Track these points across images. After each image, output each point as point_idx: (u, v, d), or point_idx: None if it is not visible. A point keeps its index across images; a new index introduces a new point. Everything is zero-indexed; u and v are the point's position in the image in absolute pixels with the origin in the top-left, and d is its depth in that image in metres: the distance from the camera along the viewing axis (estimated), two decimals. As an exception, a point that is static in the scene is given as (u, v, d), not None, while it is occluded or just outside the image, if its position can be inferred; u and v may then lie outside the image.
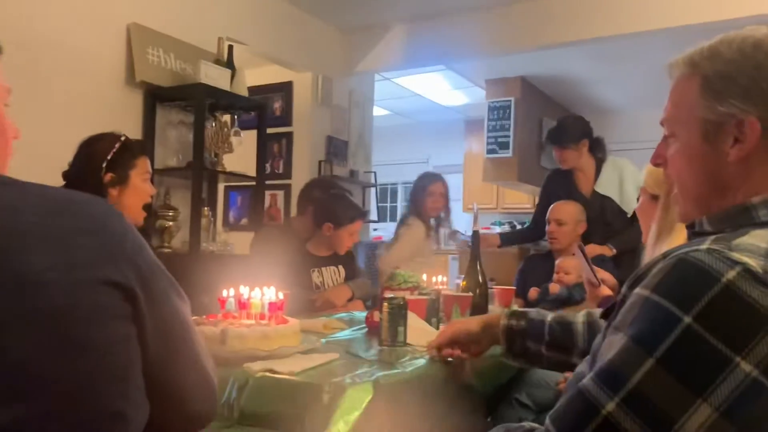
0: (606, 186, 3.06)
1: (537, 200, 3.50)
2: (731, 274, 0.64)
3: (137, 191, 1.92)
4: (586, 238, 2.86)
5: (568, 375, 1.72)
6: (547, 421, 0.72)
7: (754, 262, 0.65)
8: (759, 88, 0.76)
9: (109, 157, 1.86)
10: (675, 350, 0.64)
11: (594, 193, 3.08)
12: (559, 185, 3.22)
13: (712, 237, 0.71)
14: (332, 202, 2.66)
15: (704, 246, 0.68)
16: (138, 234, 0.77)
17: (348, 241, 2.60)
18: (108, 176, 1.86)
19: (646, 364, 0.65)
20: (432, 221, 3.49)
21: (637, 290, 0.70)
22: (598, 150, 3.13)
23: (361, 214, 2.68)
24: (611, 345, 0.70)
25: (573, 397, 0.70)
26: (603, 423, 0.66)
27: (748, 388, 0.62)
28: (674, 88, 0.85)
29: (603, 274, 2.03)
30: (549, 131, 3.18)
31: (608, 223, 3.01)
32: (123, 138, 1.92)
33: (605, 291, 1.97)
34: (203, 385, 0.86)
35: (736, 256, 0.66)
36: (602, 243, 2.91)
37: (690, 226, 0.85)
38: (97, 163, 1.86)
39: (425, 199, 3.40)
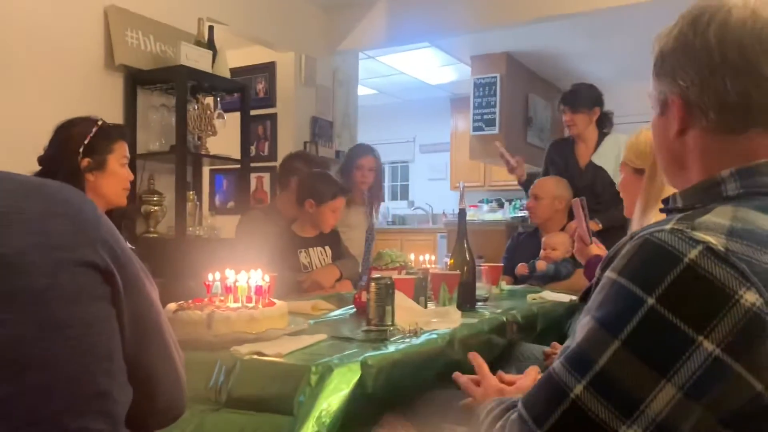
0: (603, 157, 3.07)
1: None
2: (693, 254, 0.64)
3: (115, 176, 1.90)
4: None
5: (552, 349, 1.73)
6: (519, 404, 0.72)
7: (715, 241, 0.65)
8: (680, 66, 0.78)
9: (86, 142, 1.84)
10: (639, 332, 0.64)
11: (589, 163, 3.10)
12: (558, 153, 3.23)
13: (678, 216, 0.71)
14: (313, 179, 2.65)
15: (668, 226, 0.68)
16: (110, 222, 0.77)
17: (331, 218, 2.59)
18: (85, 161, 1.84)
19: (612, 346, 0.65)
20: (365, 196, 3.43)
21: (607, 273, 0.71)
22: (605, 124, 3.14)
23: (343, 191, 2.65)
24: (580, 328, 0.70)
25: (544, 381, 0.71)
26: (571, 406, 0.66)
27: (710, 367, 0.62)
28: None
29: (596, 227, 2.05)
30: (563, 94, 3.17)
31: (597, 194, 3.02)
32: (100, 122, 1.89)
33: (595, 249, 1.99)
34: (173, 375, 0.86)
35: (698, 235, 0.66)
36: (589, 214, 2.91)
37: (665, 202, 0.85)
38: (74, 147, 1.83)
39: (354, 172, 3.35)
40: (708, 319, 0.62)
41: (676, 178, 0.85)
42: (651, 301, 0.64)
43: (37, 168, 1.85)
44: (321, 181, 2.62)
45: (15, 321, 0.65)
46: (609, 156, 3.07)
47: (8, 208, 0.68)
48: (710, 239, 0.65)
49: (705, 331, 0.62)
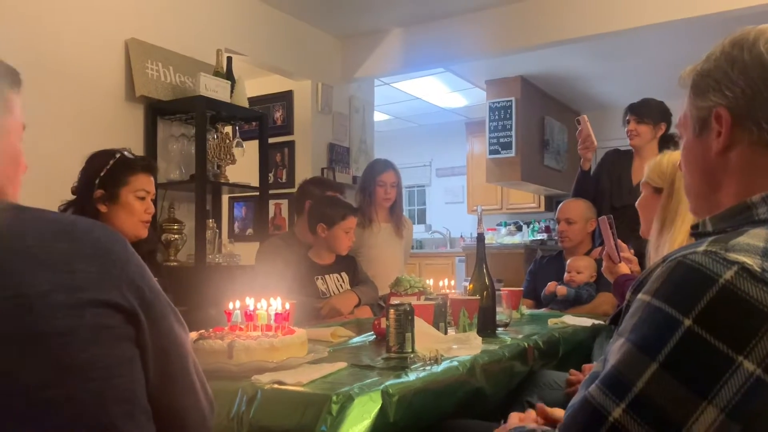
0: None
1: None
2: (729, 275, 0.64)
3: (128, 209, 1.89)
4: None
5: (574, 375, 1.71)
6: None
7: (751, 261, 0.65)
8: (729, 79, 0.79)
9: (102, 174, 1.87)
10: (677, 354, 0.64)
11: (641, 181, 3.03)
12: (613, 163, 3.14)
13: (711, 238, 0.71)
14: (321, 203, 2.66)
15: (701, 248, 0.68)
16: (140, 259, 0.77)
17: (345, 239, 2.57)
18: (98, 192, 1.87)
19: (650, 369, 0.65)
20: (390, 213, 3.30)
21: (639, 296, 0.71)
22: (668, 145, 3.05)
23: (353, 210, 2.63)
24: (615, 351, 0.70)
25: (580, 406, 0.70)
26: (610, 429, 0.65)
27: (752, 387, 0.61)
28: (684, 96, 0.89)
29: (627, 254, 2.02)
30: (630, 104, 3.09)
31: (639, 221, 2.95)
32: (118, 155, 1.92)
33: (623, 269, 1.97)
34: (198, 414, 0.85)
35: (732, 256, 0.66)
36: (627, 232, 2.84)
37: (694, 227, 0.85)
38: (91, 178, 1.87)
39: (375, 189, 3.22)
40: (747, 339, 0.62)
41: (705, 202, 0.85)
42: (688, 322, 0.64)
43: (64, 197, 1.90)
44: (329, 205, 2.62)
45: (37, 365, 0.65)
46: None
47: (36, 248, 0.69)
48: (745, 260, 0.65)
49: (745, 351, 0.62)
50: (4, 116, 0.80)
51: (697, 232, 0.84)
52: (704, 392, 0.62)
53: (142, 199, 1.93)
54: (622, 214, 2.76)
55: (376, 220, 3.23)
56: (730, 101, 0.78)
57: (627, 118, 3.06)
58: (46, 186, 1.91)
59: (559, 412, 1.09)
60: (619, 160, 3.16)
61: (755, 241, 0.68)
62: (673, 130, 3.05)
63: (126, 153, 1.95)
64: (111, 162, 1.89)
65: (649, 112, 3.01)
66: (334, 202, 2.67)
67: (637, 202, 1.84)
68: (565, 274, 2.76)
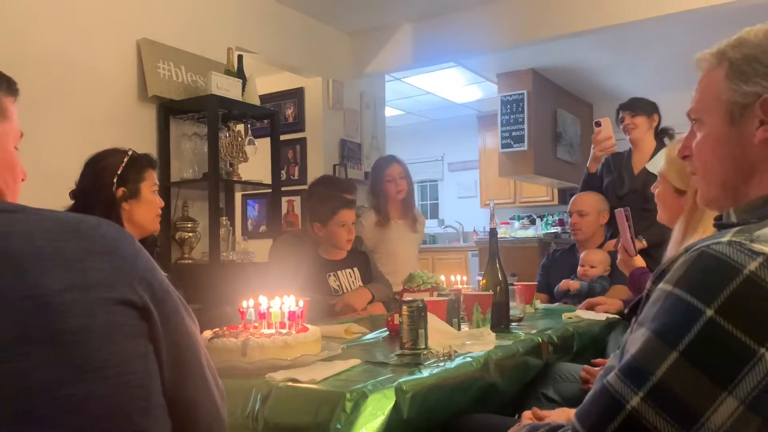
0: (655, 165, 3.02)
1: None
2: (753, 265, 0.63)
3: (148, 203, 1.94)
4: None
5: (586, 374, 1.70)
6: (574, 418, 0.72)
7: None
8: None
9: (119, 172, 1.89)
10: (698, 343, 0.63)
11: (643, 169, 3.06)
12: (614, 162, 3.19)
13: (735, 229, 0.70)
14: (311, 202, 2.64)
15: (725, 238, 0.67)
16: (149, 255, 0.77)
17: (343, 233, 2.53)
18: (120, 191, 1.88)
19: (670, 357, 0.64)
20: (402, 209, 3.32)
21: (661, 285, 0.70)
22: (663, 137, 3.10)
23: (343, 203, 2.58)
24: (635, 340, 0.69)
25: (598, 394, 0.70)
26: (628, 418, 0.65)
27: None
28: (701, 79, 0.86)
29: (641, 246, 2.01)
30: (620, 104, 3.18)
31: (647, 199, 2.94)
32: (130, 152, 1.95)
33: (639, 262, 1.95)
34: (212, 408, 0.86)
35: (757, 247, 0.65)
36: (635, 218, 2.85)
37: (717, 218, 0.84)
38: (108, 178, 1.88)
39: (385, 185, 3.26)
40: None
41: (732, 192, 0.82)
42: (710, 312, 0.63)
43: (71, 202, 1.90)
44: (319, 202, 2.60)
45: (54, 364, 0.66)
46: (662, 164, 3.00)
47: (47, 248, 0.69)
48: None
49: (767, 344, 0.61)
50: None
51: (720, 223, 0.82)
52: (724, 383, 0.62)
53: (154, 192, 1.98)
54: (627, 202, 2.76)
55: (392, 218, 3.25)
56: None
57: (621, 116, 3.14)
58: (59, 187, 1.92)
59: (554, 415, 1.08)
60: (618, 159, 3.20)
61: None
62: (665, 123, 3.10)
63: (130, 150, 1.98)
64: (125, 159, 1.91)
65: (640, 105, 3.09)
66: (324, 198, 2.63)
67: (655, 192, 1.81)
68: (579, 268, 2.74)
